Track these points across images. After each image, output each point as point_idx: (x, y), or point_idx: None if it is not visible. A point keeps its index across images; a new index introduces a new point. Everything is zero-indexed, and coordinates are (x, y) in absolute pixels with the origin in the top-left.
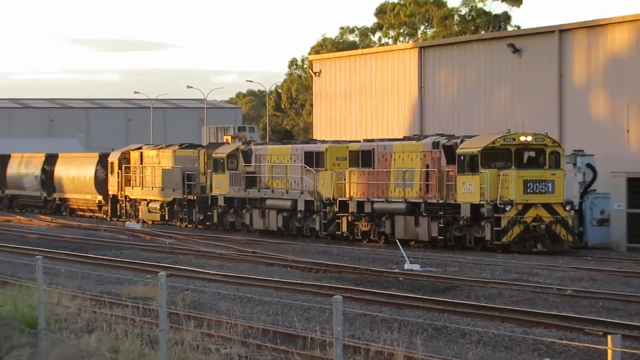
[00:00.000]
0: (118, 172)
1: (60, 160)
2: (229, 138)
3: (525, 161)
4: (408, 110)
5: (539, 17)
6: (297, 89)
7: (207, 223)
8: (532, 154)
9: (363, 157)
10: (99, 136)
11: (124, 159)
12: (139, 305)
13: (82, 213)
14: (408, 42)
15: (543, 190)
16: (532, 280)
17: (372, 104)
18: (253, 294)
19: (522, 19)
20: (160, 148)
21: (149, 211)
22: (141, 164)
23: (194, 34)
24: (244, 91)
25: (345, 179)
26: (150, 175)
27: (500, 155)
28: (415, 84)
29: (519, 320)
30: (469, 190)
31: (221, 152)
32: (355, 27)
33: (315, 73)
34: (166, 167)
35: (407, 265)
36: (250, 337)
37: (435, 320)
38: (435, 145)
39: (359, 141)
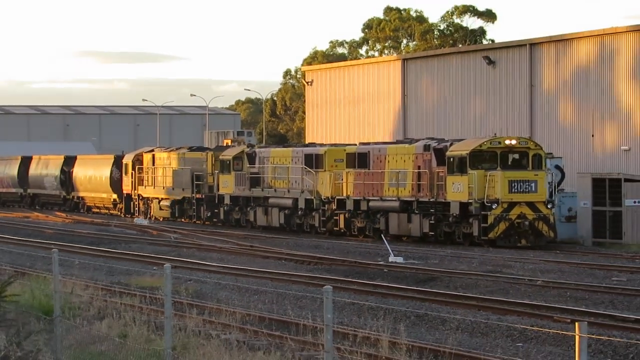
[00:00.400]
0: (132, 173)
1: (78, 161)
2: (229, 141)
3: (510, 163)
4: (392, 116)
5: (511, 32)
6: (291, 97)
7: (214, 220)
8: (517, 156)
9: (359, 159)
10: (110, 140)
11: (137, 161)
12: (146, 295)
13: (98, 210)
14: (392, 55)
15: (527, 190)
16: (505, 272)
17: (360, 111)
18: (250, 284)
19: (496, 33)
20: (170, 150)
21: (161, 209)
22: (153, 165)
23: (197, 47)
24: (243, 99)
25: (342, 179)
26: (162, 175)
27: (487, 158)
28: (399, 93)
29: (493, 308)
30: (458, 189)
31: (227, 155)
32: (344, 40)
33: (307, 82)
34: (176, 168)
35: (391, 258)
36: (248, 324)
37: (417, 309)
38: (427, 148)
39: (355, 144)
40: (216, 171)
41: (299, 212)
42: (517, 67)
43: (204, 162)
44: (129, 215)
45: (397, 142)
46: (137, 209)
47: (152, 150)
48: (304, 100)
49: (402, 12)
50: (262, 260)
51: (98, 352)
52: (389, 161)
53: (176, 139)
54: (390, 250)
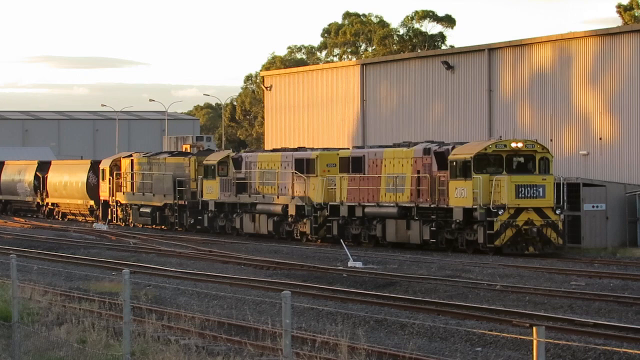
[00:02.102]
0: (109, 179)
1: (53, 167)
2: (188, 147)
3: (516, 167)
4: (352, 121)
5: (470, 37)
6: (250, 102)
7: (198, 227)
8: (523, 159)
9: (353, 163)
10: (69, 145)
11: (115, 166)
12: (105, 300)
13: (73, 217)
14: (351, 60)
15: (534, 195)
16: (464, 277)
17: (319, 115)
18: (209, 290)
19: (455, 38)
20: (150, 156)
21: (140, 215)
22: (132, 170)
23: (157, 52)
24: (202, 104)
25: (336, 185)
26: (141, 181)
27: (492, 161)
28: (358, 98)
29: (452, 313)
30: (461, 194)
31: (212, 159)
32: (303, 45)
33: (266, 88)
34: (157, 174)
35: (350, 263)
36: (207, 329)
37: (377, 313)
38: (427, 151)
39: (348, 148)
40: (200, 177)
41: (289, 219)
42: (475, 72)
43: (187, 168)
44: (106, 222)
45: (394, 145)
46: (114, 215)
47: (131, 156)
48: (263, 106)
49: (363, 17)
50: (221, 265)
51: (57, 357)
52: (385, 165)
53: (135, 144)
54: (349, 255)
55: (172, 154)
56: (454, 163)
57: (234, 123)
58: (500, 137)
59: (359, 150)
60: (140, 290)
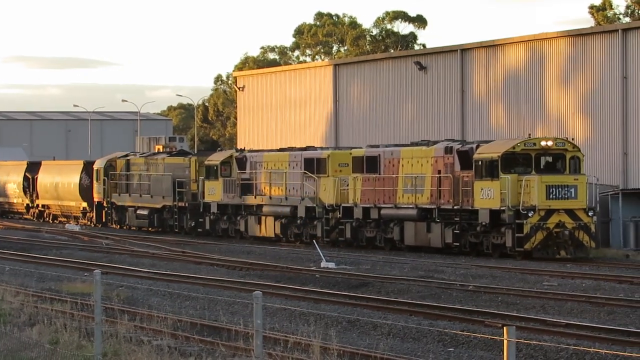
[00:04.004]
0: (104, 180)
1: (43, 167)
2: (160, 147)
3: (544, 166)
4: (324, 121)
5: (442, 38)
6: (223, 103)
7: (199, 230)
8: (552, 158)
9: (368, 163)
10: (42, 146)
11: (110, 167)
12: (77, 301)
13: (64, 219)
14: (324, 60)
15: (566, 196)
16: (437, 277)
17: (292, 116)
18: (182, 290)
19: (427, 39)
20: (148, 156)
21: (137, 218)
22: (128, 171)
23: (131, 52)
24: (175, 104)
25: (348, 185)
26: (138, 182)
27: (520, 160)
28: (330, 98)
29: (425, 313)
30: (487, 196)
31: (214, 159)
32: (275, 46)
33: (239, 88)
34: (156, 175)
35: (323, 264)
36: (179, 329)
37: (349, 314)
38: (448, 150)
39: (360, 147)
40: (201, 177)
41: (298, 221)
42: (448, 73)
43: (187, 168)
44: (100, 225)
45: (412, 144)
46: (109, 218)
47: (127, 156)
48: (236, 106)
49: (334, 17)
50: (194, 266)
51: (28, 358)
52: (402, 165)
53: (108, 144)
54: (322, 256)
55: (170, 154)
56: (480, 162)
57: (207, 124)
58: (530, 135)
59: (374, 149)
60: (112, 291)
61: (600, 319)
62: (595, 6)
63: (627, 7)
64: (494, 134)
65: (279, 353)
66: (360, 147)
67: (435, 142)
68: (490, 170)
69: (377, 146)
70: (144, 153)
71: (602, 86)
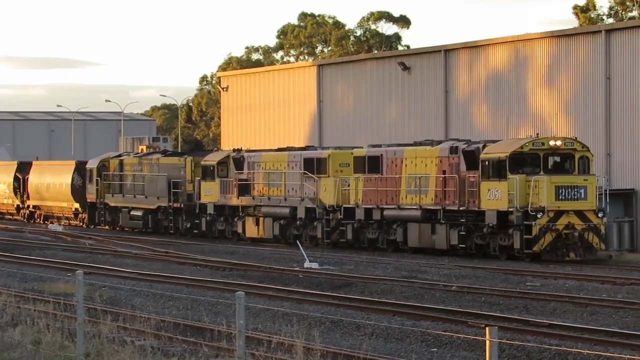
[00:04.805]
0: (97, 180)
1: (34, 168)
2: (144, 148)
3: (552, 166)
4: (308, 122)
5: (426, 38)
6: (207, 103)
7: (195, 231)
8: (561, 158)
9: (370, 163)
10: (25, 146)
11: (103, 167)
12: (60, 301)
13: (56, 221)
14: (308, 60)
15: (575, 197)
16: (420, 278)
17: (276, 116)
18: (165, 291)
19: (411, 39)
20: (142, 156)
21: (131, 219)
22: (121, 171)
23: (115, 52)
24: (159, 105)
25: (350, 186)
26: (132, 182)
27: (528, 160)
28: (314, 99)
29: (408, 314)
30: (495, 196)
31: (211, 160)
32: (260, 46)
33: (223, 88)
34: (150, 175)
35: (306, 264)
36: (163, 330)
37: (332, 314)
38: (454, 150)
39: (361, 147)
40: (197, 178)
41: (298, 222)
42: (432, 73)
43: (182, 169)
44: (93, 226)
45: (416, 143)
46: (102, 219)
47: (120, 156)
48: (220, 106)
49: (318, 17)
50: (177, 266)
51: (11, 359)
52: (406, 165)
53: (91, 145)
54: (305, 256)
55: (165, 154)
56: (487, 162)
57: (191, 124)
58: (538, 134)
59: (376, 149)
60: (95, 291)
61: (583, 319)
62: (579, 7)
63: (611, 8)
64: (478, 134)
65: (262, 353)
66: (362, 147)
67: (439, 142)
68: (497, 170)
69: (380, 146)
70: (137, 153)
71: (586, 87)
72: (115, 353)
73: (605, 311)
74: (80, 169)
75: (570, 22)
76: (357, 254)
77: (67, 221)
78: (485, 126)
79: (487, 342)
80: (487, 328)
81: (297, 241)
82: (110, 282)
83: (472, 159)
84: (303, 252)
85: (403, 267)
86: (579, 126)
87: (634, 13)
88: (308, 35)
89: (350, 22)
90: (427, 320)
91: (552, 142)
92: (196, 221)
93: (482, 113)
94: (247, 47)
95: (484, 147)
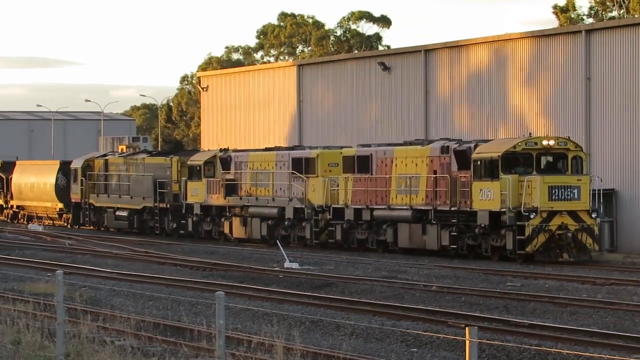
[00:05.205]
0: (81, 180)
1: (18, 167)
2: (124, 147)
3: (545, 166)
4: (289, 121)
5: (407, 38)
6: (187, 103)
7: (181, 232)
8: (554, 158)
9: (359, 163)
10: (4, 146)
11: (88, 167)
12: (40, 301)
13: (44, 222)
14: (288, 60)
15: (568, 197)
16: (400, 278)
17: (256, 116)
18: (145, 290)
19: (391, 39)
20: (127, 156)
21: (116, 219)
22: (106, 171)
23: (96, 52)
24: (139, 104)
25: (339, 186)
26: (117, 182)
27: (521, 160)
28: (294, 99)
29: (388, 314)
30: (487, 197)
31: (197, 160)
32: (240, 46)
33: (203, 88)
34: (135, 175)
35: (286, 264)
36: (142, 330)
37: (312, 314)
38: (445, 150)
39: (350, 146)
40: (183, 178)
41: (286, 223)
42: (412, 73)
43: (168, 168)
44: (77, 227)
45: (406, 143)
46: (87, 219)
47: (105, 155)
48: (200, 106)
49: (297, 17)
50: (157, 266)
51: None
52: (396, 165)
53: (71, 144)
54: (285, 256)
55: (151, 154)
56: (479, 162)
57: (171, 124)
58: (530, 134)
59: (366, 148)
60: (75, 291)
61: (563, 319)
62: (559, 7)
63: (591, 8)
64: (458, 134)
65: (242, 353)
66: (350, 147)
67: (430, 142)
68: (490, 170)
69: (369, 145)
70: (122, 153)
71: (566, 87)
72: (95, 353)
73: (585, 311)
74: (64, 168)
75: (551, 22)
76: (337, 254)
77: (50, 221)
78: (465, 126)
79: (467, 342)
80: (467, 328)
81: (277, 241)
82: (90, 282)
83: (463, 158)
84: (283, 252)
85: (383, 267)
86: (559, 126)
87: (614, 13)
88: (288, 35)
89: (332, 22)
90: (407, 320)
91: (545, 142)
92: (182, 222)
93: (462, 113)
94: (227, 47)
95: (475, 146)
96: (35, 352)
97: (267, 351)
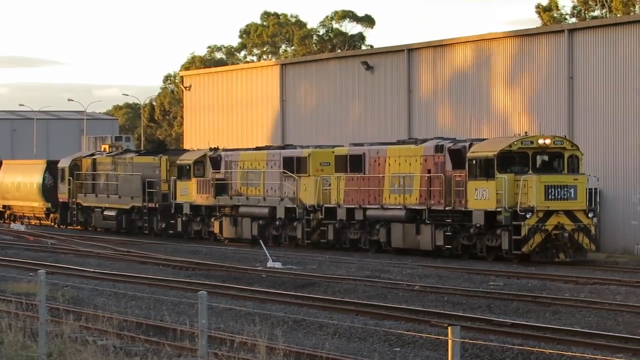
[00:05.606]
0: (69, 179)
1: (4, 167)
2: (107, 147)
3: (540, 165)
4: (271, 121)
5: (390, 38)
6: (170, 102)
7: (170, 232)
8: (550, 157)
9: (352, 162)
10: None
11: (75, 166)
12: (22, 301)
13: (27, 221)
14: (271, 60)
15: (565, 197)
16: (383, 277)
17: (239, 115)
18: (127, 290)
19: (374, 39)
20: (115, 155)
21: (104, 219)
22: (94, 170)
23: (78, 51)
24: (122, 104)
25: (331, 185)
26: (105, 182)
27: (517, 159)
28: (277, 98)
29: (371, 313)
30: (482, 196)
31: (187, 159)
32: (223, 45)
33: (185, 87)
34: (124, 174)
35: (269, 263)
36: (125, 329)
37: (295, 314)
38: (439, 149)
39: (342, 145)
40: (172, 177)
41: (277, 223)
42: (395, 72)
43: (157, 168)
44: (65, 226)
45: (399, 142)
46: (74, 219)
47: (93, 155)
48: (182, 106)
49: (280, 17)
50: (139, 265)
51: None
52: (389, 164)
53: (54, 144)
54: (268, 256)
55: (139, 153)
56: (474, 161)
57: (153, 123)
58: (526, 132)
59: (358, 147)
60: (57, 291)
61: (546, 318)
62: (542, 6)
63: (574, 7)
64: (441, 133)
65: (225, 353)
66: (342, 146)
67: (424, 140)
68: (485, 169)
69: (362, 144)
70: (111, 152)
71: (549, 86)
72: (77, 353)
73: (568, 311)
74: (51, 168)
75: (534, 22)
76: (320, 254)
77: (37, 221)
78: (448, 125)
79: (450, 341)
80: (449, 327)
81: (260, 241)
82: (72, 281)
83: (458, 157)
84: (266, 252)
85: (366, 266)
86: (542, 125)
87: (597, 12)
88: (271, 34)
89: (315, 21)
90: (390, 319)
91: (541, 141)
92: (171, 221)
93: (445, 112)
94: (209, 47)
95: (470, 145)
96: (17, 351)
97: (249, 351)
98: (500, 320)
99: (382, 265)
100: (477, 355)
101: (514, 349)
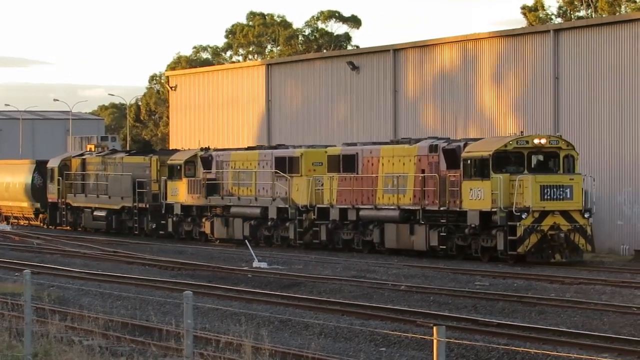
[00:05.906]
0: (58, 180)
1: None
2: (92, 147)
3: (536, 165)
4: (257, 121)
5: (376, 38)
6: (156, 102)
7: (161, 232)
8: (545, 157)
9: (345, 162)
10: None
11: (65, 166)
12: (7, 301)
13: (15, 221)
14: (256, 60)
15: (561, 197)
16: (369, 277)
17: (224, 116)
18: (113, 290)
19: (360, 39)
20: (105, 155)
21: (94, 219)
22: (84, 170)
23: (65, 52)
24: (107, 104)
25: (323, 185)
26: (95, 182)
27: (512, 159)
28: (263, 98)
29: (357, 313)
30: (477, 196)
31: (178, 159)
32: (209, 46)
33: (171, 87)
34: (114, 174)
35: (255, 264)
36: (111, 329)
37: (281, 314)
38: (433, 149)
39: (334, 145)
40: (163, 177)
41: (269, 223)
42: (381, 73)
43: (147, 168)
44: (54, 227)
45: (393, 142)
46: (64, 219)
47: (82, 155)
48: (168, 106)
49: (266, 17)
50: (126, 266)
51: None
52: (383, 164)
53: (39, 144)
54: (254, 256)
55: (129, 153)
56: (469, 161)
57: (139, 123)
58: (522, 132)
59: (351, 147)
60: (43, 291)
61: (532, 318)
62: (528, 7)
63: (559, 7)
64: (426, 133)
65: (211, 353)
66: (334, 146)
67: (417, 140)
68: (480, 169)
69: (355, 144)
70: (100, 152)
71: (534, 86)
72: (63, 353)
73: (554, 310)
74: (40, 168)
75: (519, 22)
76: (306, 254)
77: (26, 221)
78: (434, 125)
79: (435, 341)
80: (435, 327)
81: (246, 241)
82: (58, 281)
83: (452, 157)
84: (252, 252)
85: (352, 266)
86: (527, 125)
87: (582, 13)
88: (257, 34)
89: (301, 21)
90: (375, 319)
91: (536, 141)
92: (162, 222)
93: (430, 112)
94: (195, 47)
95: (465, 145)
96: (2, 352)
97: (235, 351)
98: (486, 320)
99: (368, 265)
100: (463, 355)
101: (499, 349)
